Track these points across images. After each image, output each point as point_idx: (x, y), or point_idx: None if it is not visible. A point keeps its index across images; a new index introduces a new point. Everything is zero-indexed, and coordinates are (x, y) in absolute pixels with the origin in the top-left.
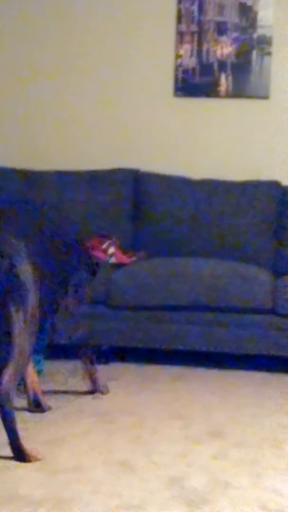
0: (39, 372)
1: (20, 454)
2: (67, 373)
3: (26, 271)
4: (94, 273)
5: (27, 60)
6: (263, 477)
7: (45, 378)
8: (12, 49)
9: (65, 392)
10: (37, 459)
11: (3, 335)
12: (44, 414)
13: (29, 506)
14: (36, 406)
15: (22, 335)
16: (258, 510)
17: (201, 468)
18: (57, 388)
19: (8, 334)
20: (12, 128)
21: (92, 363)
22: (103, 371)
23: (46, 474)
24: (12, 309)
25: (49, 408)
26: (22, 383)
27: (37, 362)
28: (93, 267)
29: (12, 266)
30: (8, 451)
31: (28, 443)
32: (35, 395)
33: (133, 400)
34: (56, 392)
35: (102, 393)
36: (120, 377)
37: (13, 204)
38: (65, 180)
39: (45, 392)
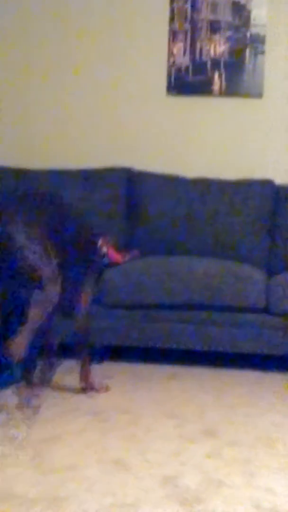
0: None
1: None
2: (63, 372)
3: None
4: (97, 271)
5: (23, 59)
6: (256, 476)
7: None
8: (9, 48)
9: (61, 390)
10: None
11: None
12: (39, 411)
13: (24, 504)
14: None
15: (37, 304)
16: (251, 509)
17: (194, 467)
18: (53, 386)
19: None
20: (7, 127)
21: (88, 362)
22: (97, 370)
23: (41, 472)
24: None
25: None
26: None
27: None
28: (94, 265)
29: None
30: (2, 450)
31: (22, 441)
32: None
33: (128, 398)
34: (52, 390)
35: (98, 391)
36: (114, 376)
37: (11, 203)
38: (59, 179)
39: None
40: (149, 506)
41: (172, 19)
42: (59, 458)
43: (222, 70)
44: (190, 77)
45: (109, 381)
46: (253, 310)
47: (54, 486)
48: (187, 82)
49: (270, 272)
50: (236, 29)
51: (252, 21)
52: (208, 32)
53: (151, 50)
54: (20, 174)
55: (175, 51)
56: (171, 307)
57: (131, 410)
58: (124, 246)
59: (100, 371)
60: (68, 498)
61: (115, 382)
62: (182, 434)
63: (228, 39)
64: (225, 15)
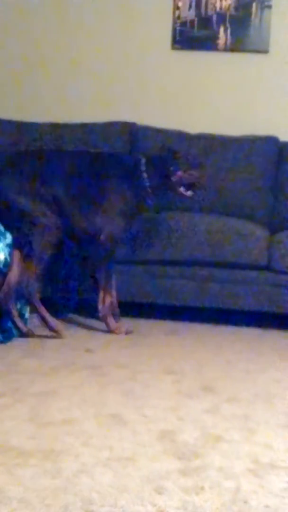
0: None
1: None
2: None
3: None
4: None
5: (25, 12)
6: (254, 431)
7: (38, 330)
8: (11, 3)
9: (59, 345)
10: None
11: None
12: (36, 364)
13: (19, 457)
14: None
15: (38, 246)
16: (249, 463)
17: (193, 422)
18: (50, 341)
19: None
20: (8, 79)
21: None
22: (97, 324)
23: (37, 426)
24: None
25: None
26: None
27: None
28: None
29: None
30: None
31: (19, 395)
32: None
33: (126, 354)
34: (49, 345)
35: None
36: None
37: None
38: (61, 132)
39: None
40: (146, 460)
41: None
42: (56, 412)
43: (228, 24)
44: (195, 32)
45: (108, 337)
46: (255, 267)
47: (51, 439)
48: (192, 36)
49: (273, 230)
50: None
51: None
52: None
53: (156, 4)
54: (22, 127)
55: (180, 4)
56: (172, 263)
57: (130, 365)
58: None
59: (99, 326)
60: (64, 451)
61: (114, 337)
62: (181, 390)
63: None
64: None
